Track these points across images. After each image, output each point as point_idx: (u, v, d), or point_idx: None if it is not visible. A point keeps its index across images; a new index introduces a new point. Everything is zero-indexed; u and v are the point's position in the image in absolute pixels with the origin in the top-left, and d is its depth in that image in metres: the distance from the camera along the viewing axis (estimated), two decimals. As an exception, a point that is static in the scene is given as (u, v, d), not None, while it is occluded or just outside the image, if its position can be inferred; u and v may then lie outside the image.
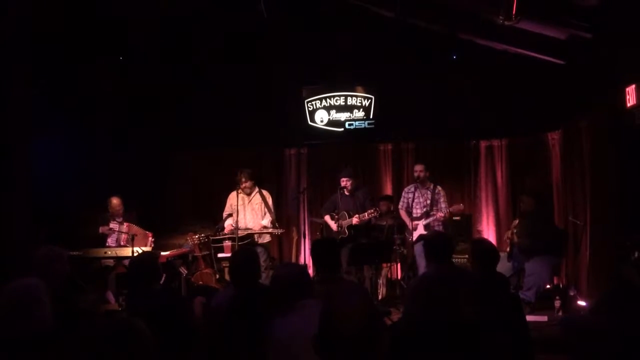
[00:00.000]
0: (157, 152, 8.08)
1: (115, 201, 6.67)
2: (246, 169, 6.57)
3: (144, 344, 1.62)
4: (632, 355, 2.78)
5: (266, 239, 6.49)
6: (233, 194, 6.56)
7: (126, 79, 7.46)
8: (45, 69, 6.32)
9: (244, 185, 6.43)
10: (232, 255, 3.67)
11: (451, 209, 6.47)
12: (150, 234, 6.61)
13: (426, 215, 6.45)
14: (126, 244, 6.45)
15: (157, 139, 8.02)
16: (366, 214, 6.34)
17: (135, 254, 5.65)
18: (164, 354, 2.21)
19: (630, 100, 5.09)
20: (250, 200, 6.55)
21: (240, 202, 6.45)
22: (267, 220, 6.48)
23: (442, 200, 6.52)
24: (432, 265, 3.69)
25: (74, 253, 6.02)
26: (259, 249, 6.09)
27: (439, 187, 6.62)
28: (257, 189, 6.59)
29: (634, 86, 5.04)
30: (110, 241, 6.60)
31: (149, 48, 7.41)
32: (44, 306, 2.46)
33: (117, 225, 6.59)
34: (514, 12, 5.06)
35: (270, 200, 6.59)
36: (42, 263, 3.12)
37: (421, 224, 6.44)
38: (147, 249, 6.24)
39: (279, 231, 6.62)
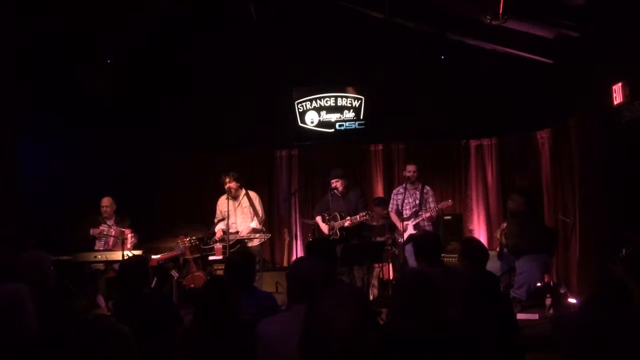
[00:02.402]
0: (148, 154, 8.04)
1: (105, 201, 6.63)
2: (231, 171, 6.49)
3: (126, 350, 1.61)
4: (621, 352, 2.79)
5: (255, 242, 6.43)
6: (222, 200, 6.50)
7: (116, 81, 7.41)
8: (33, 71, 6.29)
9: (227, 186, 6.37)
10: (228, 256, 3.65)
11: (440, 206, 6.51)
12: (127, 231, 6.50)
13: (415, 215, 6.47)
14: (113, 247, 6.41)
15: (148, 142, 7.98)
16: (358, 216, 6.33)
17: (125, 258, 5.61)
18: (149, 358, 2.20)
19: (617, 98, 5.13)
20: (239, 204, 6.50)
21: (230, 206, 6.39)
22: (254, 222, 6.43)
23: (430, 199, 6.56)
24: (421, 264, 3.69)
25: (64, 258, 5.99)
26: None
27: (428, 187, 6.66)
28: (243, 191, 6.54)
29: (620, 84, 5.08)
30: (99, 245, 6.55)
31: (138, 49, 7.37)
32: (29, 312, 2.43)
33: (107, 229, 6.55)
34: (500, 12, 5.07)
35: (257, 202, 6.53)
36: (26, 268, 3.09)
37: (411, 224, 6.46)
38: (137, 252, 6.19)
39: (266, 236, 6.56)
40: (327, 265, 2.91)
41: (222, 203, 6.46)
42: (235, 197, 6.45)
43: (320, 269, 2.62)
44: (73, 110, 7.08)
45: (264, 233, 6.47)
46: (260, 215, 6.49)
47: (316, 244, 3.82)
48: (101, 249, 6.49)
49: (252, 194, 6.55)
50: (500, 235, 6.46)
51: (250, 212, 6.45)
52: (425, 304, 2.18)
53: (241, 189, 6.50)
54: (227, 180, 6.36)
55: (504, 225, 6.53)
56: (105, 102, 7.32)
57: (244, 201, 6.49)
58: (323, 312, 1.54)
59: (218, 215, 6.56)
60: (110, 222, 6.63)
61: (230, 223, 6.32)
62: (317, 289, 2.40)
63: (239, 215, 6.45)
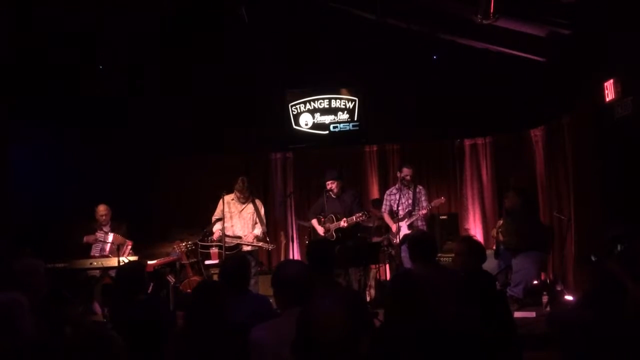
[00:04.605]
0: (142, 159, 8.00)
1: (101, 208, 6.60)
2: (246, 177, 6.45)
3: (117, 357, 1.60)
4: (617, 348, 2.79)
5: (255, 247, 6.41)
6: (226, 199, 6.38)
7: (110, 86, 7.38)
8: (28, 76, 6.26)
9: (243, 194, 6.33)
10: (223, 260, 3.63)
11: (433, 203, 6.52)
12: (130, 243, 6.51)
13: (409, 215, 6.48)
14: (109, 254, 6.38)
15: (142, 146, 7.95)
16: (354, 217, 6.31)
17: (121, 264, 5.59)
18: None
19: (609, 95, 5.15)
20: (241, 210, 6.44)
21: (227, 208, 6.34)
22: (258, 230, 6.38)
23: (423, 198, 6.57)
24: (416, 265, 3.68)
25: (60, 265, 5.95)
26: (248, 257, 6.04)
27: (420, 186, 6.69)
28: (250, 198, 6.47)
29: (612, 81, 5.10)
30: (95, 251, 6.52)
31: (136, 50, 7.34)
32: (26, 320, 2.42)
33: (103, 235, 6.52)
34: (491, 11, 5.09)
35: (262, 211, 6.49)
36: (20, 275, 3.08)
37: (404, 224, 6.46)
38: (133, 258, 6.17)
39: (270, 246, 6.50)
40: (310, 266, 2.91)
41: (226, 203, 6.35)
42: (242, 201, 6.41)
43: (304, 270, 2.62)
44: (67, 116, 7.05)
45: (267, 243, 6.43)
46: (265, 224, 6.49)
47: (316, 245, 3.79)
48: (97, 254, 6.46)
49: (258, 202, 6.52)
50: (497, 233, 6.48)
51: (253, 219, 6.41)
52: (413, 303, 2.17)
53: (250, 196, 6.46)
54: (245, 188, 6.31)
55: (500, 222, 6.54)
56: (101, 105, 7.28)
57: (248, 208, 6.43)
58: (315, 315, 1.54)
59: (217, 214, 6.45)
60: (106, 229, 6.60)
61: (227, 225, 6.28)
62: (305, 291, 2.39)
63: (239, 220, 6.38)
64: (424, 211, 6.45)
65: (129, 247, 6.50)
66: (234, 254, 6.08)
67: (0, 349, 2.31)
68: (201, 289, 2.66)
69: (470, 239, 3.92)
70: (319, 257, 3.38)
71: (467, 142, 8.10)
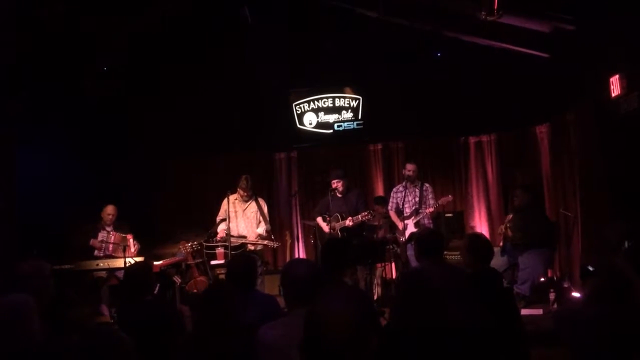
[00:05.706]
0: (146, 160, 8.02)
1: (109, 208, 6.64)
2: (249, 175, 6.45)
3: (126, 358, 1.60)
4: (625, 345, 2.78)
5: (259, 246, 6.39)
6: (230, 199, 6.42)
7: (112, 88, 7.39)
8: (30, 79, 6.27)
9: (247, 193, 6.34)
10: (229, 260, 3.62)
11: (440, 201, 6.51)
12: (130, 236, 6.51)
13: (415, 212, 6.46)
14: (112, 252, 6.40)
15: (146, 148, 7.96)
16: (360, 216, 6.30)
17: (128, 265, 5.60)
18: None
19: (615, 90, 5.12)
20: (245, 209, 6.43)
21: (231, 208, 6.34)
22: (262, 229, 6.38)
23: (430, 196, 6.56)
24: (423, 262, 3.67)
25: (66, 266, 5.97)
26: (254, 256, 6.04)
27: (427, 184, 6.68)
28: (253, 197, 6.49)
29: (617, 76, 5.08)
30: (98, 251, 6.53)
31: (137, 52, 7.35)
32: (33, 322, 2.42)
33: (105, 235, 6.54)
34: (495, 7, 5.08)
35: (266, 209, 6.50)
36: (28, 278, 3.08)
37: (411, 222, 6.45)
38: (139, 258, 6.18)
39: (275, 244, 6.49)
40: (322, 264, 2.89)
41: (231, 203, 6.34)
42: (245, 200, 6.41)
43: (313, 269, 2.61)
44: (71, 118, 7.06)
45: (272, 241, 6.44)
46: (268, 222, 6.49)
47: (333, 243, 3.77)
48: (101, 254, 6.47)
49: (261, 201, 6.52)
50: (505, 228, 6.46)
51: (256, 218, 6.41)
52: (420, 301, 2.16)
53: (253, 195, 6.47)
54: (248, 187, 6.31)
55: (509, 217, 6.52)
56: (103, 106, 7.29)
57: (251, 207, 6.43)
58: (322, 314, 1.54)
59: (221, 214, 6.45)
60: (109, 229, 6.62)
61: (232, 225, 6.27)
62: (314, 290, 2.38)
63: (242, 220, 6.38)
64: (431, 209, 6.44)
65: (131, 240, 6.47)
66: (239, 253, 6.09)
67: (9, 351, 2.32)
68: (213, 290, 2.66)
69: (477, 236, 3.89)
70: (334, 256, 3.33)
71: (472, 140, 8.08)
